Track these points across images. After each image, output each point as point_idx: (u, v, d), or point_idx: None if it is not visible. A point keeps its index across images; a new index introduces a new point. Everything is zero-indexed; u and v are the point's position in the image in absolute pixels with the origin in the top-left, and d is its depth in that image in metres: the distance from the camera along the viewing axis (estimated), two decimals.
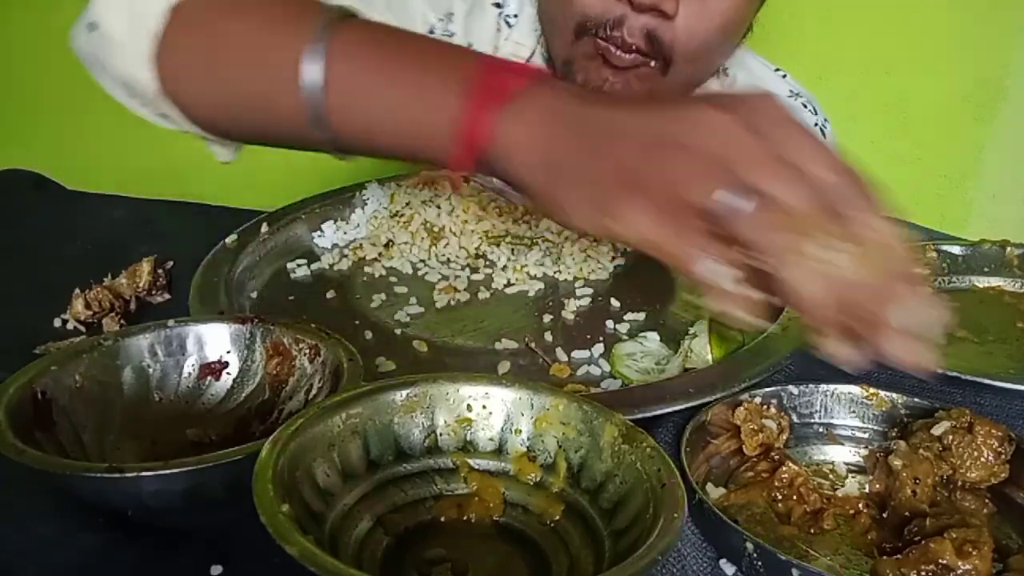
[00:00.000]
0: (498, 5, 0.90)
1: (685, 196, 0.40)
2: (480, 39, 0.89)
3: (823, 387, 0.49)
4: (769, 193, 0.39)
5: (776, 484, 0.44)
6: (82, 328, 0.59)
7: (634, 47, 0.72)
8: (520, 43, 0.88)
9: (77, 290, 0.60)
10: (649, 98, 0.47)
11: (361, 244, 0.71)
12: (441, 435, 0.41)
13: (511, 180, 0.48)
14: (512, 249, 0.70)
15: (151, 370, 0.47)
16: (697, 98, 0.45)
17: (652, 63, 0.74)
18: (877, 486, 0.44)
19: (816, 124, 0.91)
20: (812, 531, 0.42)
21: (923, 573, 0.37)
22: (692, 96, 0.47)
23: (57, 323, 0.59)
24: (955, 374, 0.53)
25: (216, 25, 0.54)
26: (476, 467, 0.41)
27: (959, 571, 0.37)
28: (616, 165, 0.43)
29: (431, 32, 0.84)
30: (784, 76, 0.96)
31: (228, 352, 0.48)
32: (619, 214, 0.42)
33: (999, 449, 0.44)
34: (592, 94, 0.49)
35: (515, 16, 0.91)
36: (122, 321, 0.60)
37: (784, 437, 0.47)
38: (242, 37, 0.54)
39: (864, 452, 0.48)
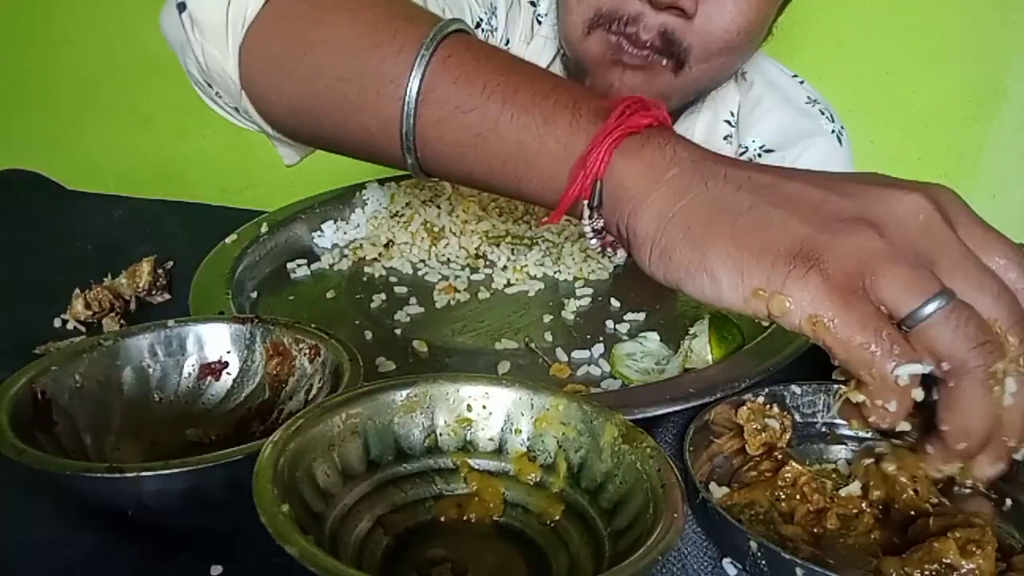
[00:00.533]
0: (533, 3, 0.90)
1: (873, 277, 0.35)
2: (516, 35, 0.90)
3: (826, 386, 0.49)
4: (967, 300, 0.35)
5: (779, 484, 0.44)
6: (82, 328, 0.59)
7: (648, 43, 0.72)
8: (547, 38, 0.88)
9: (77, 290, 0.60)
10: (814, 172, 0.41)
11: (361, 244, 0.71)
12: (441, 435, 0.41)
13: (616, 225, 0.43)
14: (512, 249, 0.70)
15: (151, 370, 0.47)
16: (875, 177, 0.40)
17: (664, 61, 0.74)
18: (877, 493, 0.44)
19: (833, 131, 0.91)
20: (815, 530, 0.42)
21: (927, 573, 0.37)
22: (867, 174, 0.41)
23: (57, 323, 0.59)
24: None
25: (314, 21, 0.51)
26: (476, 467, 0.41)
27: (963, 571, 0.37)
28: (782, 232, 0.37)
29: (478, 25, 0.83)
30: (802, 83, 0.96)
31: (228, 352, 0.48)
32: (780, 287, 0.37)
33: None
34: (732, 159, 0.43)
35: (545, 15, 0.91)
36: (122, 321, 0.60)
37: (787, 437, 0.47)
38: (341, 36, 0.50)
39: (856, 461, 0.47)
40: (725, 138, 0.90)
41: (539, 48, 0.88)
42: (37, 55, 1.81)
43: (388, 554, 0.37)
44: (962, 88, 1.38)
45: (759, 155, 0.88)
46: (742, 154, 0.89)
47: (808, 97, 0.92)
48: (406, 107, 0.46)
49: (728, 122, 0.90)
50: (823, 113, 0.92)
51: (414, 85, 0.46)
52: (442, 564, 0.37)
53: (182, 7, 0.54)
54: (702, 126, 0.90)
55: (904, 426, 0.38)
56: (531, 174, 0.45)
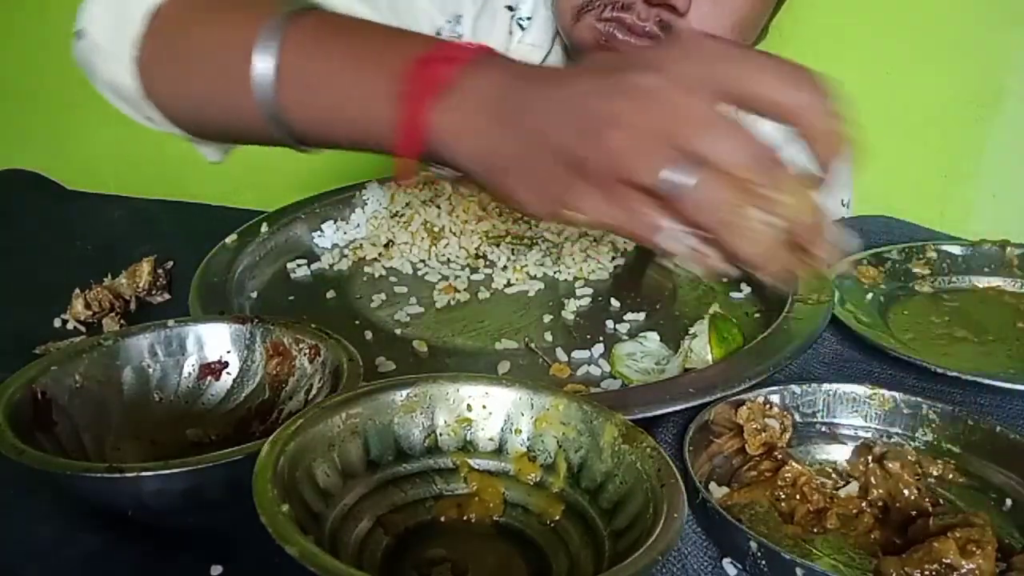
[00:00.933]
0: (511, 8, 0.90)
1: (629, 178, 0.41)
2: (489, 42, 0.89)
3: (825, 386, 0.49)
4: (712, 160, 0.40)
5: (779, 483, 0.44)
6: (82, 328, 0.59)
7: (646, 29, 0.72)
8: (534, 45, 0.88)
9: (77, 290, 0.60)
10: (580, 68, 0.46)
11: (361, 244, 0.71)
12: (441, 435, 0.41)
13: (459, 169, 0.48)
14: (512, 249, 0.70)
15: (151, 370, 0.47)
16: (626, 59, 0.44)
17: None
18: (879, 491, 0.44)
19: None
20: (815, 530, 0.42)
21: (927, 572, 0.37)
22: (621, 56, 0.46)
23: (57, 323, 0.59)
24: (955, 374, 0.53)
25: (187, 27, 0.57)
26: (476, 467, 0.41)
27: (963, 570, 0.37)
28: (555, 152, 0.43)
29: (438, 34, 0.85)
30: None
31: (228, 352, 0.48)
32: (568, 203, 0.43)
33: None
34: (528, 70, 0.48)
35: (529, 19, 0.91)
36: (122, 321, 0.60)
37: (787, 436, 0.47)
38: (207, 37, 0.55)
39: (854, 460, 0.48)
40: None
41: (524, 55, 0.87)
42: (37, 55, 1.81)
43: (388, 554, 0.37)
44: (962, 88, 1.38)
45: None
46: None
47: None
48: (267, 89, 0.51)
49: None
50: None
51: (268, 72, 0.51)
52: (442, 564, 0.37)
53: (80, 34, 0.60)
54: None
55: (732, 272, 0.43)
56: (381, 145, 0.50)
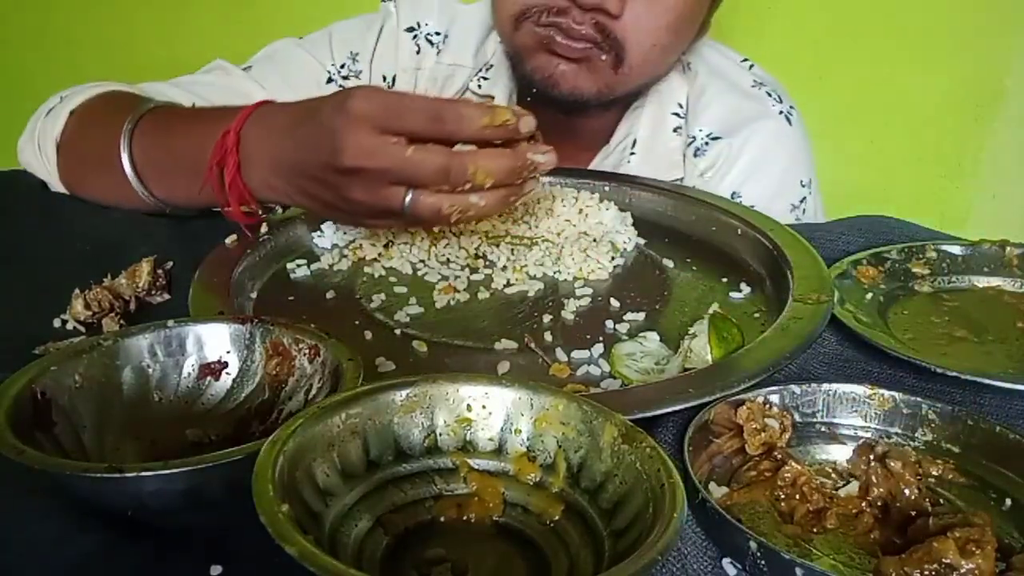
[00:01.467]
0: (412, 29, 0.93)
1: (371, 214, 0.60)
2: (396, 67, 0.94)
3: (825, 386, 0.49)
4: (423, 182, 0.55)
5: (779, 483, 0.44)
6: (82, 328, 0.59)
7: (584, 33, 0.74)
8: (455, 64, 0.93)
9: (77, 290, 0.60)
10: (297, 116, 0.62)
11: (361, 244, 0.71)
12: (441, 435, 0.41)
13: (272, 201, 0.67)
14: (512, 249, 0.70)
15: (151, 370, 0.47)
16: (325, 109, 0.58)
17: (603, 56, 0.75)
18: (879, 490, 0.44)
19: (781, 112, 0.91)
20: (815, 530, 0.42)
21: (926, 572, 0.37)
22: (319, 108, 0.59)
23: (57, 323, 0.59)
24: (955, 374, 0.53)
25: (85, 151, 0.77)
26: (476, 467, 0.41)
27: (962, 570, 0.37)
28: (324, 204, 0.61)
29: (329, 81, 0.93)
30: (751, 66, 0.96)
31: (228, 352, 0.48)
32: (364, 225, 0.67)
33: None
34: (274, 120, 0.64)
35: (439, 34, 0.94)
36: (122, 321, 0.60)
37: (786, 436, 0.47)
38: (96, 152, 0.74)
39: (855, 459, 0.48)
40: (675, 130, 0.91)
41: (444, 75, 0.93)
42: (37, 55, 1.81)
43: (388, 554, 0.37)
44: (962, 88, 1.38)
45: (706, 143, 0.89)
46: (691, 144, 0.90)
47: (754, 80, 0.93)
48: (132, 174, 0.71)
49: (676, 114, 0.92)
50: (770, 95, 0.92)
51: (126, 159, 0.71)
52: (442, 564, 0.37)
53: (26, 164, 0.82)
54: (647, 121, 0.91)
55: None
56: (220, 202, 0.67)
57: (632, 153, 0.90)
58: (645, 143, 0.90)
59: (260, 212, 0.68)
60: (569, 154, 0.93)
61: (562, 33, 0.76)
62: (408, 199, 0.56)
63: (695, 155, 0.89)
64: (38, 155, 0.79)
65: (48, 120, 0.79)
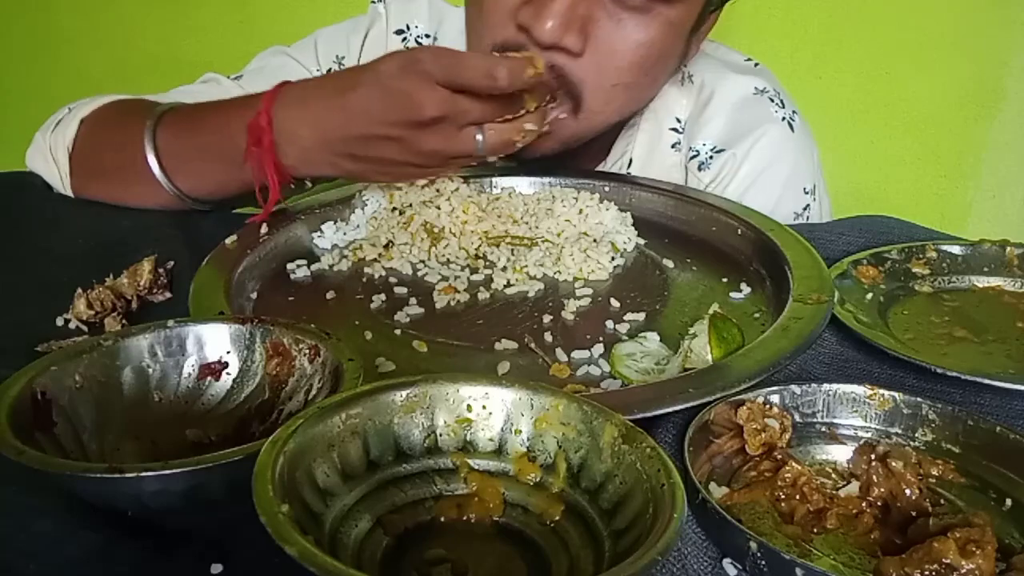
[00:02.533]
0: (401, 31, 0.94)
1: (442, 160, 0.68)
2: None
3: (825, 387, 0.49)
4: (492, 117, 0.67)
5: (779, 483, 0.44)
6: (84, 328, 0.59)
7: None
8: None
9: (79, 290, 0.60)
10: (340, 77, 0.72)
11: (361, 245, 0.71)
12: (441, 435, 0.41)
13: (308, 174, 0.71)
14: (512, 250, 0.70)
15: (151, 370, 0.47)
16: (387, 71, 0.65)
17: (563, 115, 0.75)
18: (880, 490, 0.44)
19: (784, 118, 0.90)
20: (815, 531, 0.42)
21: (926, 572, 0.37)
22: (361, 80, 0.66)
23: (59, 322, 0.59)
24: (955, 374, 0.53)
25: (101, 156, 0.79)
26: (476, 467, 0.41)
27: (963, 570, 0.37)
28: (372, 161, 0.68)
29: None
30: (756, 65, 0.94)
31: (228, 352, 0.48)
32: (408, 179, 0.72)
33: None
34: (306, 89, 0.70)
35: (428, 36, 0.94)
36: (124, 321, 0.60)
37: (787, 437, 0.47)
38: (108, 150, 0.78)
39: (856, 459, 0.47)
40: (673, 146, 0.90)
41: None
42: (37, 55, 1.81)
43: (388, 554, 0.37)
44: (962, 88, 1.38)
45: (711, 156, 0.88)
46: (694, 157, 0.89)
47: (756, 87, 0.91)
48: (158, 170, 0.74)
49: (675, 129, 0.91)
50: (772, 100, 0.90)
51: (151, 156, 0.74)
52: (442, 564, 0.37)
53: (33, 171, 0.83)
54: (643, 139, 0.90)
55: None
56: (252, 184, 0.71)
57: (628, 172, 0.90)
58: (641, 161, 0.90)
59: (293, 186, 0.73)
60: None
61: None
62: (481, 137, 0.66)
63: (699, 169, 0.88)
64: (49, 163, 0.81)
65: (59, 129, 0.81)
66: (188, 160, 0.75)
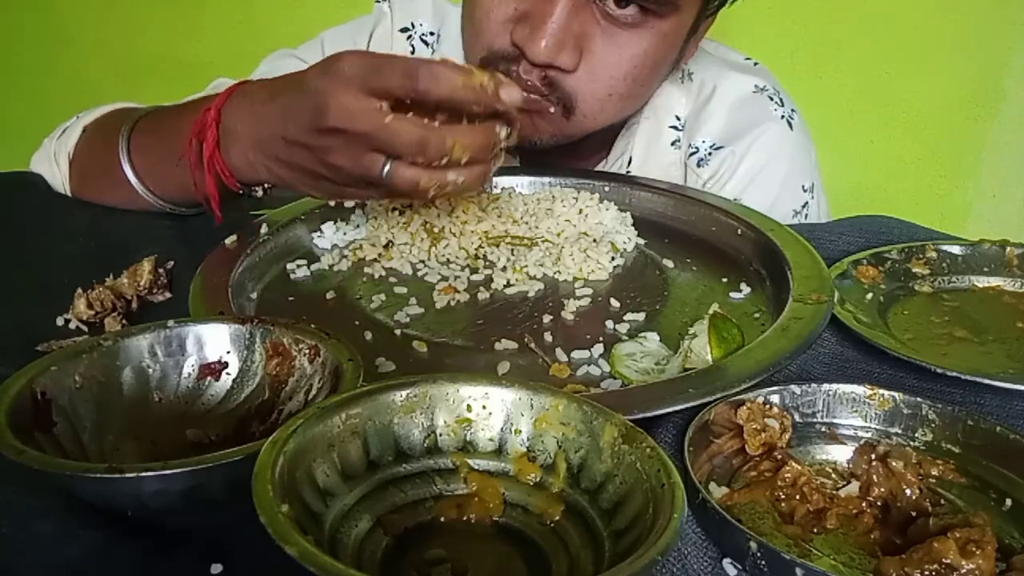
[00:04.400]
0: (406, 29, 0.93)
1: (351, 181, 0.60)
2: None
3: (825, 387, 0.49)
4: (401, 151, 0.56)
5: (779, 484, 0.44)
6: (84, 328, 0.59)
7: (530, 85, 0.72)
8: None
9: (79, 290, 0.60)
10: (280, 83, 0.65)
11: (361, 245, 0.71)
12: (441, 435, 0.41)
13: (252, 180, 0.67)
14: (512, 250, 0.70)
15: (151, 370, 0.47)
16: (310, 73, 0.60)
17: (552, 108, 0.74)
18: (880, 490, 0.44)
19: (783, 116, 0.90)
20: (815, 531, 0.42)
21: (926, 572, 0.37)
22: (307, 81, 0.60)
23: (60, 322, 0.59)
24: (955, 374, 0.53)
25: (90, 165, 0.81)
26: (476, 467, 0.41)
27: (963, 570, 0.37)
28: (305, 172, 0.62)
29: None
30: (755, 64, 0.95)
31: (228, 352, 0.48)
32: (344, 196, 0.65)
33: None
34: (254, 94, 0.65)
35: (432, 34, 0.93)
36: (124, 321, 0.60)
37: (787, 437, 0.47)
38: (97, 156, 0.79)
39: (856, 459, 0.47)
40: (672, 143, 0.90)
41: None
42: (37, 55, 1.81)
43: (388, 554, 0.37)
44: (962, 88, 1.38)
45: (709, 153, 0.89)
46: (693, 154, 0.89)
47: (756, 85, 0.91)
48: (132, 175, 0.75)
49: (674, 127, 0.91)
50: (772, 99, 0.91)
51: (125, 162, 0.74)
52: (442, 564, 0.37)
53: (37, 173, 0.85)
54: (642, 139, 0.90)
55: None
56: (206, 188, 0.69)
57: (628, 171, 0.90)
58: (641, 158, 0.90)
59: (241, 192, 0.69)
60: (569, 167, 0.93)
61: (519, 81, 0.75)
62: (387, 168, 0.57)
63: (698, 165, 0.89)
64: (52, 169, 0.83)
65: (64, 136, 0.83)
66: (155, 164, 0.74)
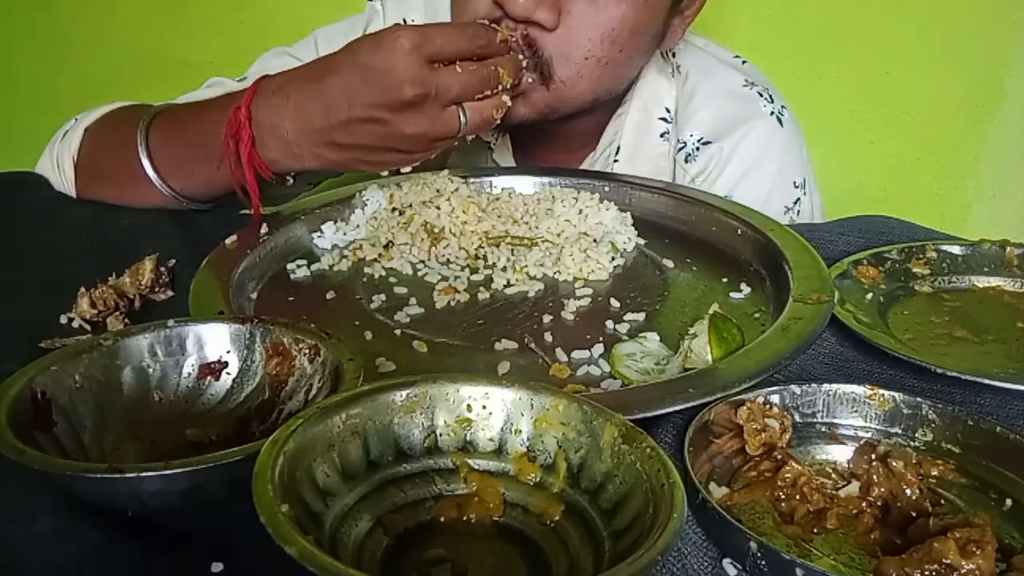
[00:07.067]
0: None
1: (425, 144, 0.67)
2: None
3: (825, 387, 0.49)
4: (473, 93, 0.66)
5: (779, 484, 0.44)
6: (87, 327, 0.59)
7: (512, 40, 0.74)
8: None
9: (83, 289, 0.60)
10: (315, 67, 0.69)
11: (361, 245, 0.71)
12: (441, 435, 0.41)
13: (287, 169, 0.71)
14: (512, 250, 0.70)
15: (151, 370, 0.47)
16: (362, 53, 0.64)
17: (530, 78, 0.75)
18: (880, 490, 0.44)
19: (772, 112, 0.90)
20: (815, 531, 0.42)
21: (926, 573, 0.37)
22: (341, 66, 0.65)
23: (63, 321, 0.59)
24: (955, 374, 0.53)
25: (99, 163, 0.81)
26: (476, 467, 0.41)
27: (963, 570, 0.37)
28: (354, 149, 0.67)
29: None
30: (743, 62, 0.95)
31: (228, 352, 0.48)
32: (394, 165, 0.70)
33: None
34: (285, 83, 0.69)
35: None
36: (126, 320, 0.60)
37: (787, 437, 0.47)
38: (108, 154, 0.80)
39: (856, 459, 0.47)
40: (662, 135, 0.90)
41: None
42: (37, 55, 1.81)
43: (388, 554, 0.37)
44: (962, 88, 1.37)
45: (697, 148, 0.88)
46: (681, 149, 0.89)
47: (746, 80, 0.91)
48: (151, 170, 0.76)
49: (664, 119, 0.90)
50: (761, 95, 0.91)
51: (144, 157, 0.75)
52: (442, 564, 0.37)
53: (43, 175, 0.86)
54: (631, 127, 0.90)
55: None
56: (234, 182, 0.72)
57: (615, 160, 0.90)
58: (629, 149, 0.90)
59: (275, 182, 0.73)
60: (559, 157, 0.92)
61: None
62: (465, 115, 0.65)
63: (686, 160, 0.89)
64: (56, 172, 0.84)
65: (66, 140, 0.84)
66: (177, 160, 0.75)
